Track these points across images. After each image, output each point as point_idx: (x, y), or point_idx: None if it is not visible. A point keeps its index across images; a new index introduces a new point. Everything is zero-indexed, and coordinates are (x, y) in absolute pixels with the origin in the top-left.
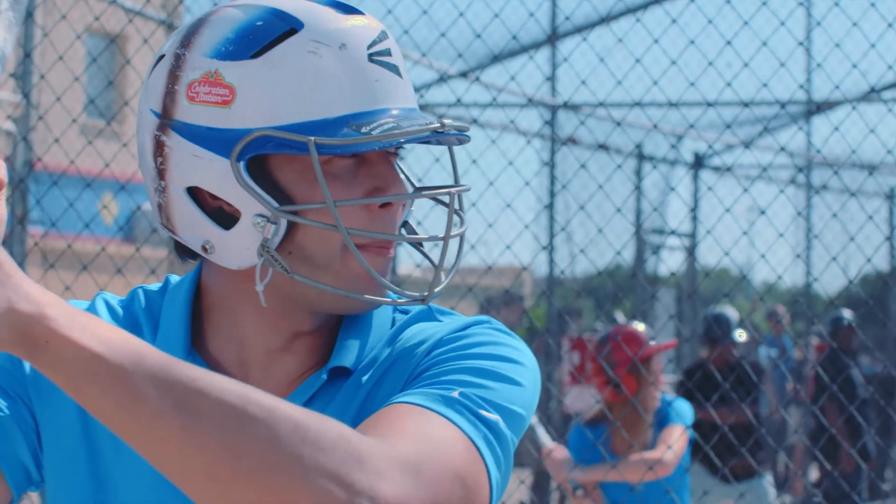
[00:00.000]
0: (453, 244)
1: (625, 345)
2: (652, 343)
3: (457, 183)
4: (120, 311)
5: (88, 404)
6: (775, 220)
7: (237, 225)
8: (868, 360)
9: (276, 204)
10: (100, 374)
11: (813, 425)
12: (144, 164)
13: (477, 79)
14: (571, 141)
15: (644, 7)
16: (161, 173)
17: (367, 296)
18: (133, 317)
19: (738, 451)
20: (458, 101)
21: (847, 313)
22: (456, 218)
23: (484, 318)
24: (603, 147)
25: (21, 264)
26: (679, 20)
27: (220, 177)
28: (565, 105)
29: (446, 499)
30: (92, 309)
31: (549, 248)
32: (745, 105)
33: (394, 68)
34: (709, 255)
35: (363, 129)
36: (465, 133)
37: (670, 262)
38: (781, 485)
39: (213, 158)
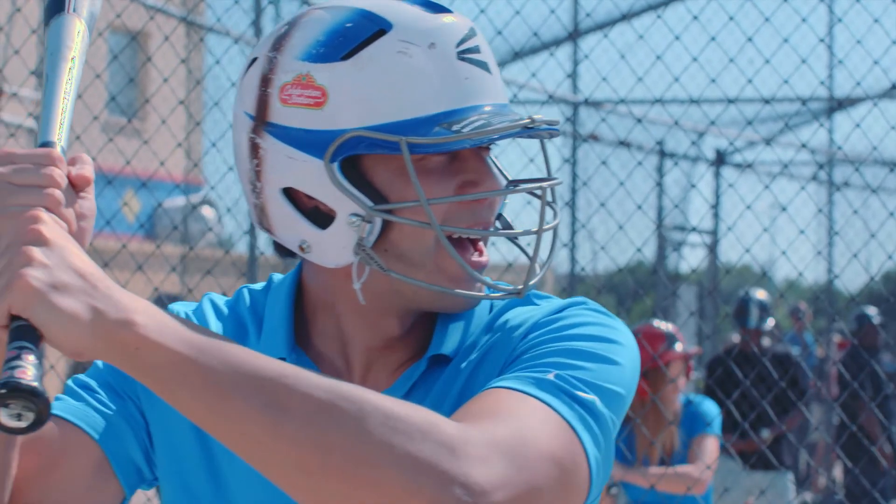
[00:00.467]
0: (547, 237)
1: (647, 344)
2: (677, 345)
3: (550, 176)
4: (226, 311)
5: (181, 406)
6: (797, 216)
7: (333, 224)
8: (889, 357)
9: (370, 203)
10: (189, 377)
11: (838, 422)
12: (241, 166)
13: None
14: (592, 138)
15: (665, 4)
16: (257, 175)
17: (461, 290)
18: (238, 316)
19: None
20: None
21: (871, 311)
22: (549, 211)
23: (581, 299)
24: (624, 144)
25: None
26: (700, 17)
27: (315, 177)
28: (586, 102)
29: (543, 482)
30: (199, 310)
31: (571, 245)
32: (767, 102)
33: (483, 65)
34: (730, 252)
35: (454, 127)
36: (556, 127)
37: (691, 259)
38: (802, 482)
39: (308, 160)
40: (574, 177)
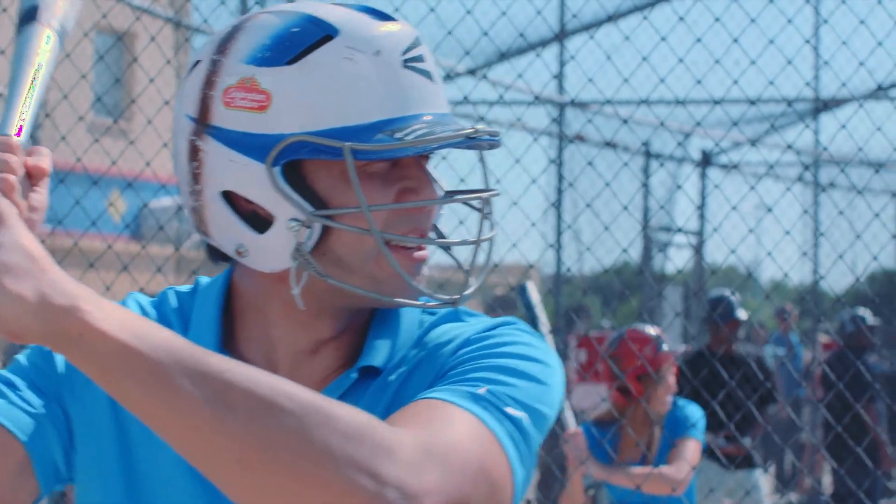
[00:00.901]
0: (484, 249)
1: (635, 347)
2: (664, 347)
3: (487, 188)
4: (151, 311)
5: (121, 397)
6: (782, 217)
7: (271, 229)
8: (875, 357)
9: (311, 208)
10: (133, 367)
11: (823, 422)
12: (179, 168)
13: (484, 76)
14: (578, 138)
15: (651, 5)
16: (196, 177)
17: (398, 298)
18: (164, 317)
19: (740, 443)
20: (466, 98)
21: (864, 312)
22: (487, 222)
23: (511, 319)
24: (610, 145)
25: None
26: (686, 18)
27: (256, 181)
28: (572, 103)
29: (472, 492)
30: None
31: (557, 246)
32: (753, 103)
33: (427, 74)
34: (716, 253)
35: (397, 135)
36: (497, 138)
37: (677, 259)
38: (787, 483)
39: (249, 163)
40: (560, 178)
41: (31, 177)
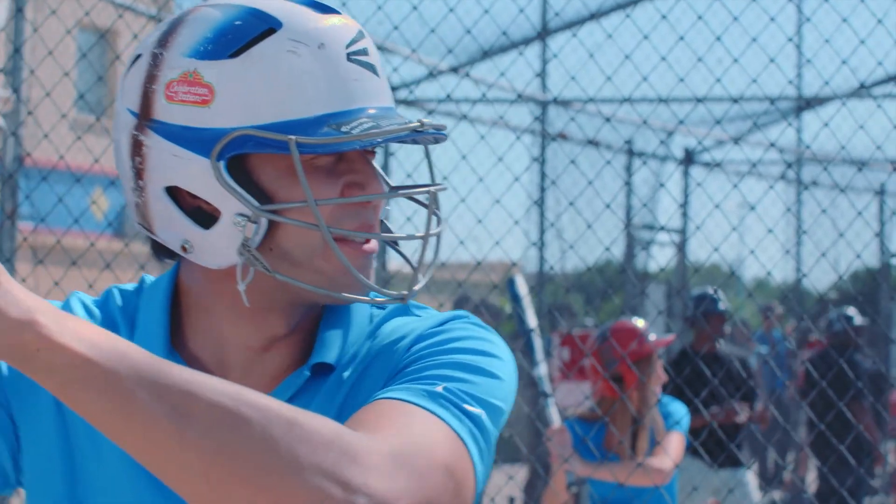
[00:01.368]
0: (431, 244)
1: (621, 340)
2: (651, 338)
3: (433, 182)
4: (96, 310)
5: (81, 410)
6: (765, 216)
7: (217, 224)
8: (860, 356)
9: (256, 203)
10: (92, 380)
11: (806, 420)
12: (121, 164)
13: (467, 74)
14: (561, 137)
15: (634, 3)
16: (139, 173)
17: (347, 294)
18: (109, 316)
19: (725, 444)
20: (448, 96)
21: (852, 311)
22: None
23: (462, 312)
24: (593, 143)
25: (10, 260)
26: (669, 16)
27: (200, 176)
28: (555, 101)
29: (438, 492)
30: (67, 309)
31: (539, 244)
32: (735, 101)
33: (371, 67)
34: (699, 251)
35: (343, 129)
36: (443, 132)
37: (660, 257)
38: (770, 480)
39: (193, 158)
40: (543, 176)
41: None
